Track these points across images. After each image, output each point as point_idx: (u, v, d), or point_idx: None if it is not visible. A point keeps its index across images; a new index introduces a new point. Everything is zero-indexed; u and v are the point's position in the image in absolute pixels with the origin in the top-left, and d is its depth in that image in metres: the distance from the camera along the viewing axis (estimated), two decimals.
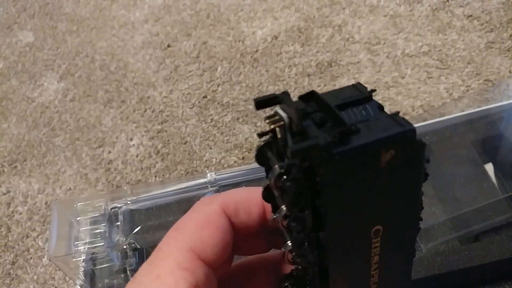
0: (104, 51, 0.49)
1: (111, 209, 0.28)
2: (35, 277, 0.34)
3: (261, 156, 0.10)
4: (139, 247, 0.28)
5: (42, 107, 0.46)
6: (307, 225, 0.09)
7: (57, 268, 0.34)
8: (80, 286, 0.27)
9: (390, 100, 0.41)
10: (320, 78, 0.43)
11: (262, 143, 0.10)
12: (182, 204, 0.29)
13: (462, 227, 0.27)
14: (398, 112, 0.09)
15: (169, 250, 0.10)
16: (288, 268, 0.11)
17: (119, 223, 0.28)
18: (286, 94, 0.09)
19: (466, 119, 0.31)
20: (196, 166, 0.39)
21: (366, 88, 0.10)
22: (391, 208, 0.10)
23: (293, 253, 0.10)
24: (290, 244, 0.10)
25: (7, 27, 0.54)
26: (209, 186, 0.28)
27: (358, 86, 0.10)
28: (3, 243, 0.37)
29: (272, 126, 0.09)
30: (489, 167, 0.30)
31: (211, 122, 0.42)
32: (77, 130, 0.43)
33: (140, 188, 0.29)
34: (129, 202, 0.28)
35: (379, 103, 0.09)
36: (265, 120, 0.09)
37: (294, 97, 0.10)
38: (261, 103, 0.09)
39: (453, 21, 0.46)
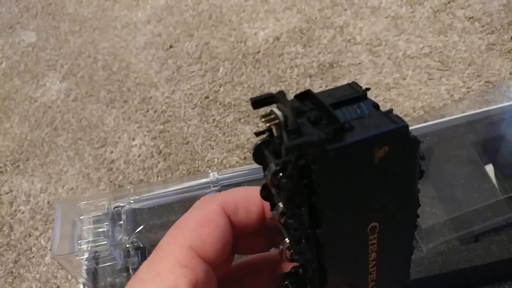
0: (106, 52, 0.50)
1: (114, 208, 0.28)
2: (38, 275, 0.35)
3: (258, 154, 0.10)
4: (141, 246, 0.28)
5: (44, 107, 0.46)
6: (304, 222, 0.10)
7: (60, 267, 0.34)
8: (82, 284, 0.27)
9: (391, 101, 0.41)
10: (321, 79, 0.44)
11: (259, 142, 0.10)
12: (184, 204, 0.29)
13: (462, 227, 0.28)
14: (392, 110, 0.09)
15: (169, 248, 0.11)
16: (288, 267, 0.12)
17: (122, 222, 0.28)
18: (282, 93, 0.09)
19: (467, 120, 0.32)
20: (198, 166, 0.39)
21: (361, 87, 0.10)
22: (387, 205, 0.10)
23: (291, 250, 0.10)
24: (288, 241, 0.10)
25: (9, 27, 0.55)
26: (211, 186, 0.29)
27: (353, 85, 0.10)
28: (5, 242, 0.37)
29: (268, 125, 0.09)
30: (490, 168, 0.30)
31: (213, 122, 0.42)
32: (79, 130, 0.43)
33: (143, 187, 0.29)
34: (132, 202, 0.29)
35: (374, 102, 0.10)
36: (261, 118, 0.09)
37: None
38: (258, 102, 0.09)
39: (454, 23, 0.46)
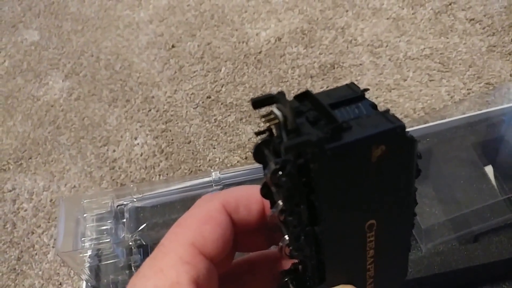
0: (109, 51, 0.50)
1: (117, 206, 0.29)
2: (40, 272, 0.35)
3: (259, 153, 0.10)
4: (144, 243, 0.28)
5: (47, 105, 0.46)
6: (303, 219, 0.10)
7: (62, 264, 0.35)
8: (85, 281, 0.28)
9: (392, 102, 0.41)
10: (323, 79, 0.44)
11: (259, 141, 0.10)
12: (186, 202, 0.30)
13: (461, 227, 0.28)
14: (389, 110, 0.09)
15: (171, 245, 0.11)
16: (288, 264, 0.12)
17: (125, 220, 0.28)
18: (281, 94, 0.10)
19: (467, 121, 0.32)
20: (199, 166, 0.39)
21: (359, 87, 0.10)
22: (384, 203, 0.10)
23: (290, 247, 0.10)
24: (287, 238, 0.10)
25: (12, 25, 0.55)
26: (213, 185, 0.29)
27: (351, 86, 0.10)
28: (8, 239, 0.37)
29: (268, 124, 0.10)
30: (489, 169, 0.31)
31: (215, 122, 0.42)
32: (82, 129, 0.43)
33: (145, 186, 0.30)
34: (135, 200, 0.29)
35: (372, 102, 0.10)
36: (261, 118, 0.10)
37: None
38: (258, 102, 0.10)
39: (455, 25, 0.46)
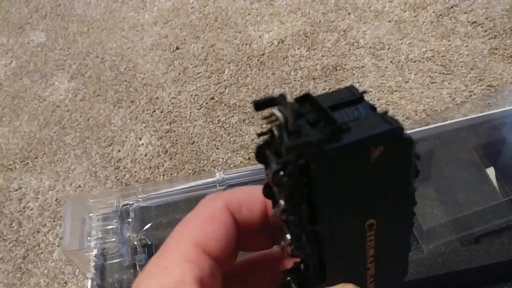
0: (114, 52, 0.51)
1: (123, 206, 0.29)
2: (46, 271, 0.35)
3: (260, 154, 0.10)
4: (149, 243, 0.28)
5: (53, 106, 0.47)
6: (304, 218, 0.10)
7: (67, 263, 0.35)
8: (91, 279, 0.28)
9: (393, 104, 0.42)
10: (325, 81, 0.44)
11: (261, 143, 0.10)
12: (191, 202, 0.30)
13: (463, 229, 0.28)
14: (387, 112, 0.10)
15: (176, 244, 0.11)
16: (290, 264, 0.12)
17: (130, 219, 0.28)
18: (282, 96, 0.10)
19: (468, 123, 0.32)
20: (203, 166, 0.40)
21: (358, 90, 0.10)
22: (384, 203, 0.10)
23: (292, 246, 0.10)
24: (288, 237, 0.10)
25: (19, 27, 0.56)
26: (217, 185, 0.29)
27: (351, 88, 0.11)
28: (14, 238, 0.38)
29: (269, 126, 0.10)
30: (491, 171, 0.31)
31: (218, 123, 0.43)
32: (87, 129, 0.44)
33: (150, 186, 0.30)
34: (140, 200, 0.29)
35: (371, 104, 0.10)
36: (262, 120, 0.10)
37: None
38: (260, 104, 0.10)
39: (457, 27, 0.47)
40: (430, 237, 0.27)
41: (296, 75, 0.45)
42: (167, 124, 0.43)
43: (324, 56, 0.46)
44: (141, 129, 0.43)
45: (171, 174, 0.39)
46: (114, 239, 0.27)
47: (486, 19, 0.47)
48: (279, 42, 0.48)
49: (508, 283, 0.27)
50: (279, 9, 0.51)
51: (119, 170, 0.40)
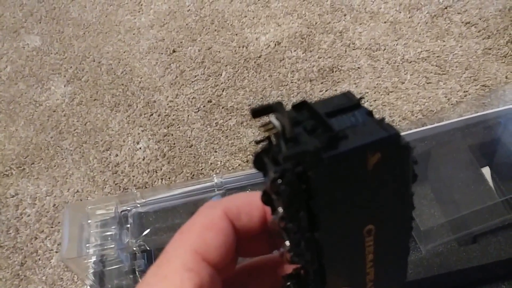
0: (110, 56, 0.50)
1: (121, 212, 0.29)
2: (44, 278, 0.35)
3: (259, 162, 0.10)
4: (148, 248, 0.28)
5: (49, 110, 0.46)
6: (303, 225, 0.10)
7: (66, 269, 0.35)
8: (90, 286, 0.28)
9: (390, 105, 0.42)
10: (322, 83, 0.44)
11: (259, 150, 0.10)
12: (189, 207, 0.30)
13: (460, 229, 0.28)
14: (384, 118, 0.10)
15: (175, 252, 0.11)
16: (291, 268, 0.12)
17: (129, 225, 0.28)
18: (279, 104, 0.10)
19: (464, 124, 0.32)
20: (201, 169, 0.40)
21: (355, 96, 0.10)
22: (382, 208, 0.11)
23: (291, 253, 0.11)
24: (288, 244, 0.11)
25: (14, 31, 0.55)
26: (216, 190, 0.29)
27: (348, 94, 0.11)
28: (12, 245, 0.37)
29: (267, 134, 0.10)
30: (486, 171, 0.31)
31: (216, 126, 0.43)
32: (84, 134, 0.44)
33: (149, 191, 0.30)
34: (138, 205, 0.29)
35: (368, 109, 0.10)
36: (259, 128, 0.10)
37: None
38: (257, 112, 0.10)
39: (452, 28, 0.47)
40: (428, 237, 0.28)
41: (293, 77, 0.45)
42: (164, 128, 0.43)
43: (320, 57, 0.46)
44: (138, 133, 0.43)
45: (169, 178, 0.39)
46: (113, 245, 0.27)
47: (480, 19, 0.47)
48: (275, 44, 0.48)
49: (505, 282, 0.27)
50: (275, 11, 0.51)
51: (117, 175, 0.40)
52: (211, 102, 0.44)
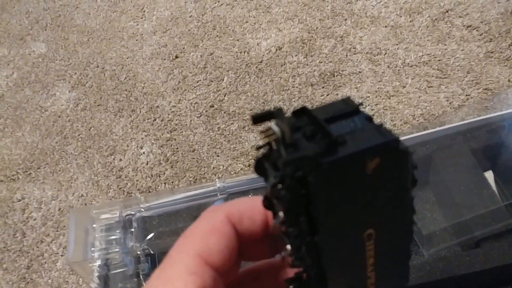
0: (114, 62, 0.51)
1: (126, 216, 0.29)
2: (50, 281, 0.36)
3: (259, 167, 0.11)
4: (152, 252, 0.29)
5: (54, 116, 0.47)
6: (303, 229, 0.10)
7: (71, 272, 0.35)
8: None
9: (391, 109, 0.42)
10: (323, 87, 0.45)
11: (260, 156, 0.11)
12: (192, 211, 0.30)
13: (463, 233, 0.28)
14: (382, 124, 0.10)
15: (178, 256, 0.11)
16: (293, 272, 0.12)
17: (133, 229, 0.29)
18: (279, 110, 0.10)
19: (466, 127, 0.32)
20: (204, 173, 0.40)
21: (354, 101, 0.11)
22: (382, 213, 0.11)
23: (292, 257, 0.11)
24: (289, 248, 0.11)
25: (20, 38, 0.56)
26: (218, 194, 0.30)
27: (347, 100, 0.11)
28: (18, 248, 0.38)
29: (267, 140, 0.10)
30: (489, 175, 0.31)
31: (218, 130, 0.43)
32: (88, 139, 0.44)
33: (153, 196, 0.30)
34: (142, 210, 0.30)
35: (367, 115, 0.10)
36: (260, 134, 0.10)
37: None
38: (257, 118, 0.10)
39: (453, 32, 0.47)
40: (430, 241, 0.28)
41: (294, 81, 0.46)
42: (167, 133, 0.44)
43: (321, 62, 0.46)
44: (142, 138, 0.44)
45: (172, 182, 0.40)
46: (117, 249, 0.28)
47: (481, 22, 0.47)
48: (277, 49, 0.49)
49: (509, 287, 0.27)
50: (276, 17, 0.52)
51: (121, 179, 0.41)
52: (213, 107, 0.45)
